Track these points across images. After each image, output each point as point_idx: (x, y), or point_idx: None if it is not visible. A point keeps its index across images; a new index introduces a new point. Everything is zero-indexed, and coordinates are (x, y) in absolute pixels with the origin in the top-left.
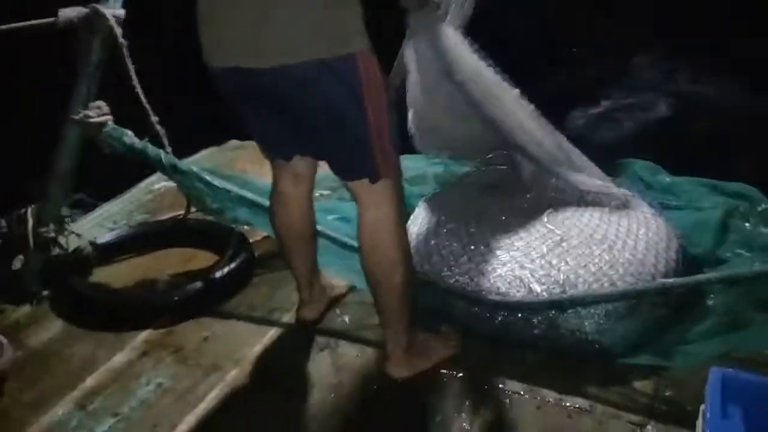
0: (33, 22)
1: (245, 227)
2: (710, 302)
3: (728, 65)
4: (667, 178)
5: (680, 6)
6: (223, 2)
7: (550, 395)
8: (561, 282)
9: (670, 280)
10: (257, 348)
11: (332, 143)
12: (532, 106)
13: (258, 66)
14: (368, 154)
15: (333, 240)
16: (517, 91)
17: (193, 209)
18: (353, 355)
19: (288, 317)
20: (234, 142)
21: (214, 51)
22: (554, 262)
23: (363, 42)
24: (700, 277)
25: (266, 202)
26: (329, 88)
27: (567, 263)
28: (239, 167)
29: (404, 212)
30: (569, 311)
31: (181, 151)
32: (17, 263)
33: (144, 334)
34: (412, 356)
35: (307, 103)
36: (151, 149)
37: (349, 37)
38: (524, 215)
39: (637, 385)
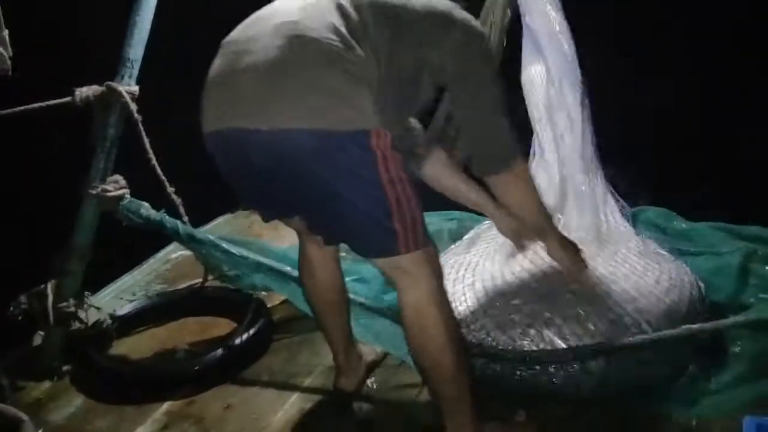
0: (51, 102)
1: (263, 293)
2: (737, 350)
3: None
4: (683, 224)
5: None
6: (234, 66)
7: None
8: (581, 335)
9: (696, 326)
10: (280, 415)
11: (340, 222)
12: None
13: (261, 126)
14: (386, 228)
15: (356, 303)
16: None
17: (210, 277)
18: (380, 419)
19: (309, 381)
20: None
21: (217, 113)
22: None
23: (375, 117)
24: (726, 321)
25: (284, 267)
26: (337, 161)
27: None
28: (255, 233)
29: (444, 290)
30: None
31: (197, 220)
32: (37, 339)
33: (165, 406)
34: None
35: (313, 174)
36: (168, 220)
37: (361, 112)
38: (541, 268)
39: None
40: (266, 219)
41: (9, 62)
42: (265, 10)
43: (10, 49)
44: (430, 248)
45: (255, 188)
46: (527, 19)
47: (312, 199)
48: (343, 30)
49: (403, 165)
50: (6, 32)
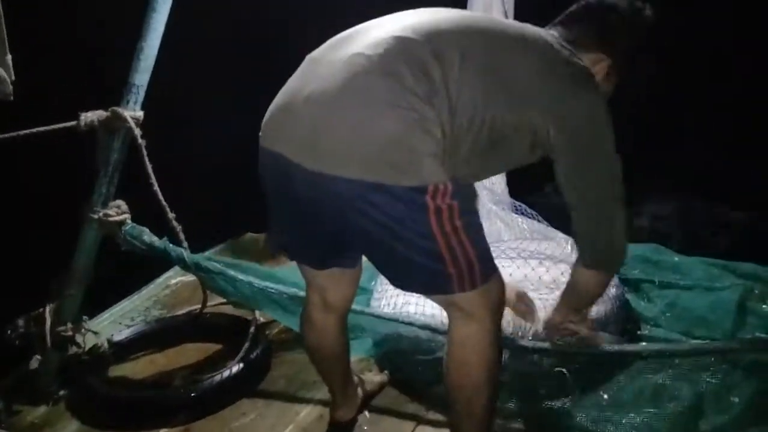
0: (55, 126)
1: (261, 319)
2: (734, 399)
3: None
4: (675, 258)
5: None
6: (301, 88)
7: None
8: None
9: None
10: None
11: (385, 263)
12: None
13: (307, 166)
14: (439, 272)
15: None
16: None
17: (211, 302)
18: None
19: (307, 410)
20: (249, 236)
21: (273, 132)
22: None
23: (436, 170)
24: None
25: (288, 290)
26: (384, 212)
27: None
28: (255, 260)
29: (499, 327)
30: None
31: (196, 247)
32: (34, 363)
33: None
34: None
35: (359, 220)
36: (171, 247)
37: (417, 164)
38: None
39: None
40: (277, 251)
41: (11, 87)
42: (355, 30)
43: (13, 73)
44: (490, 285)
45: (294, 219)
46: None
47: (355, 241)
48: (418, 74)
49: (461, 212)
50: (9, 57)
